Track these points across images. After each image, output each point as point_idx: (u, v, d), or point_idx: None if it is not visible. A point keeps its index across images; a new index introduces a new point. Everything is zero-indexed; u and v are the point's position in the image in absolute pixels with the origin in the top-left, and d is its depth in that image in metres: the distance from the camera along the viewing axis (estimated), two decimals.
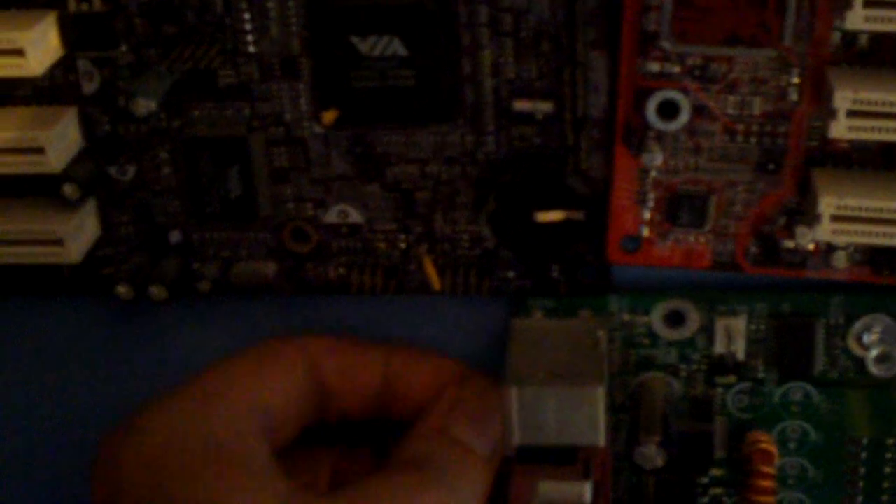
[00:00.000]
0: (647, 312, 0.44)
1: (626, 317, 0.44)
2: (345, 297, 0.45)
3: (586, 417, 0.39)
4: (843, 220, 0.39)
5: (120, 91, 0.42)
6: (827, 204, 0.38)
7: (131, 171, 0.44)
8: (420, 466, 0.39)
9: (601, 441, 0.40)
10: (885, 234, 0.39)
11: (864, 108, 0.37)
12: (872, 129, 0.37)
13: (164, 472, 0.36)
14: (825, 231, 0.39)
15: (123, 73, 0.42)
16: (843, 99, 0.37)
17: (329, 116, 0.42)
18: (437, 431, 0.40)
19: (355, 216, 0.44)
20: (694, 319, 0.44)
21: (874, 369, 0.44)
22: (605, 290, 0.44)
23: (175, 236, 0.44)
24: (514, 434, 0.40)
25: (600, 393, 0.39)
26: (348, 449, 0.43)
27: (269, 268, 0.45)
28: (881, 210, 0.38)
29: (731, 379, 0.45)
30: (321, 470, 0.42)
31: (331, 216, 0.44)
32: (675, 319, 0.44)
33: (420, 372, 0.42)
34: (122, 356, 0.47)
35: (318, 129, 0.42)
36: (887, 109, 0.37)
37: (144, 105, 0.40)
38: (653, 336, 0.45)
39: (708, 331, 0.44)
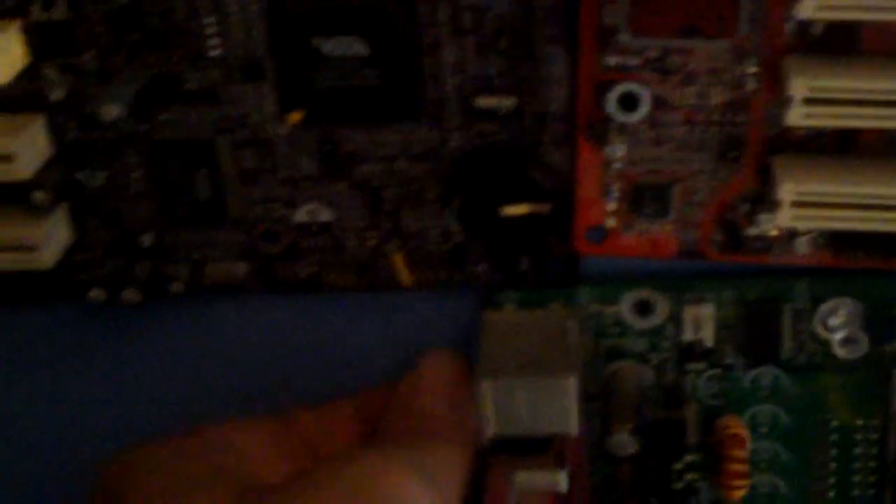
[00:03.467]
0: (615, 302, 0.45)
1: (596, 307, 0.45)
2: (317, 296, 0.45)
3: (559, 407, 0.40)
4: (803, 205, 0.39)
5: (86, 97, 0.42)
6: (786, 190, 0.39)
7: (101, 176, 0.44)
8: (397, 442, 0.40)
9: (574, 430, 0.40)
10: (844, 219, 0.39)
11: (820, 95, 0.37)
12: (828, 116, 0.38)
13: None
14: (786, 217, 0.39)
15: (89, 80, 0.42)
16: (798, 87, 0.37)
17: (294, 117, 0.42)
18: (405, 409, 0.41)
19: (324, 215, 0.44)
20: (662, 308, 0.45)
21: (840, 352, 0.44)
22: (574, 282, 0.45)
23: (147, 239, 0.45)
24: (489, 425, 0.40)
25: (571, 383, 0.39)
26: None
27: (241, 268, 0.45)
28: (840, 195, 0.39)
29: (701, 365, 0.45)
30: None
31: (300, 216, 0.44)
32: (644, 308, 0.45)
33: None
34: (98, 359, 0.47)
35: (284, 130, 0.43)
36: (842, 96, 0.37)
37: (112, 110, 0.40)
38: (622, 325, 0.45)
39: (676, 318, 0.45)
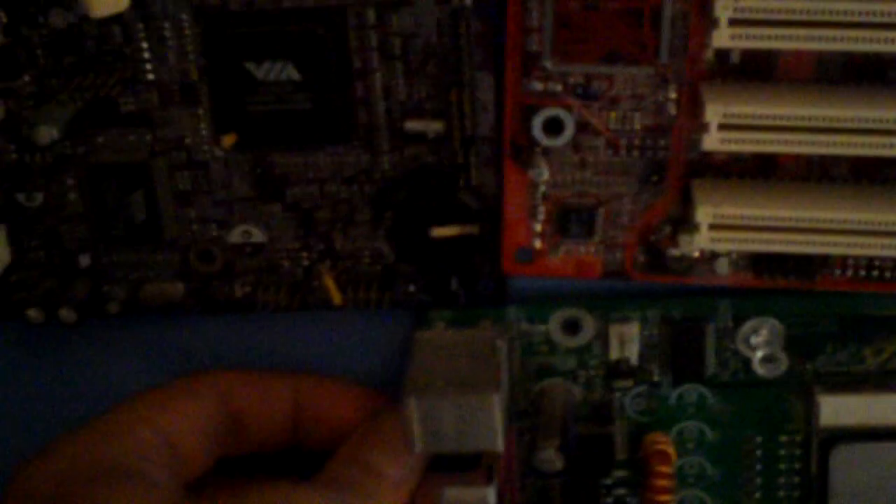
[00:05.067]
0: (544, 321, 0.46)
1: (525, 326, 0.46)
2: (252, 315, 0.46)
3: (484, 424, 0.41)
4: (720, 228, 0.40)
5: (23, 120, 0.43)
6: (704, 213, 0.40)
7: (39, 197, 0.45)
8: (332, 487, 0.40)
9: (500, 446, 0.41)
10: (761, 241, 0.40)
11: (735, 121, 0.39)
12: (743, 141, 0.39)
13: (69, 498, 0.37)
14: (704, 239, 0.40)
15: (26, 103, 0.43)
16: (714, 113, 0.39)
17: (228, 140, 0.43)
18: (352, 457, 0.41)
19: (258, 236, 0.45)
20: (589, 327, 0.46)
21: (760, 370, 0.45)
22: (503, 301, 0.45)
23: (84, 260, 0.45)
24: (415, 443, 0.41)
25: (496, 399, 0.40)
26: (267, 479, 0.44)
27: (177, 288, 0.46)
28: (757, 218, 0.40)
29: (629, 383, 0.46)
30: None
31: (234, 236, 0.45)
32: (572, 327, 0.46)
33: (331, 399, 0.44)
34: (35, 378, 0.48)
35: (218, 152, 0.44)
36: (756, 122, 0.38)
37: (47, 134, 0.41)
38: (551, 344, 0.46)
39: (603, 337, 0.46)
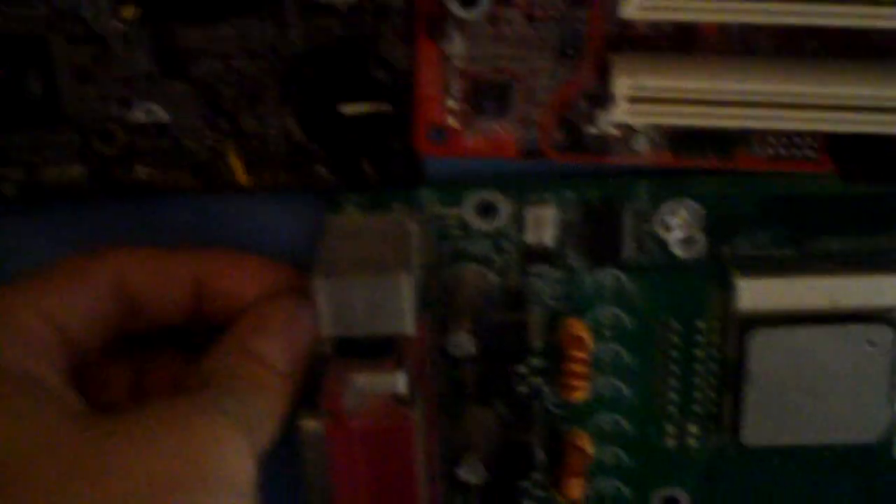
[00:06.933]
0: (458, 204, 0.45)
1: (438, 209, 0.45)
2: (155, 198, 0.45)
3: (394, 306, 0.40)
4: (638, 101, 0.39)
5: None
6: (621, 85, 0.39)
7: None
8: (213, 383, 0.39)
9: (409, 329, 0.40)
10: (679, 114, 0.39)
11: None
12: (665, 9, 0.38)
13: None
14: (622, 112, 0.39)
15: None
16: None
17: (129, 12, 0.41)
18: (237, 346, 0.40)
19: (161, 114, 0.43)
20: (505, 209, 0.45)
21: (678, 251, 0.45)
22: (417, 183, 0.44)
23: None
24: (325, 326, 0.40)
25: (405, 280, 0.39)
26: (152, 355, 0.43)
27: (77, 170, 0.44)
28: (675, 90, 0.39)
29: (544, 268, 0.45)
30: (122, 383, 0.42)
31: (137, 115, 0.43)
32: (486, 210, 0.45)
33: (232, 273, 0.42)
34: None
35: (118, 25, 0.42)
36: None
37: None
38: (465, 227, 0.45)
39: (519, 220, 0.45)
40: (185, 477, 0.36)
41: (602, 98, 0.41)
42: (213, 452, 0.37)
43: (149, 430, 0.36)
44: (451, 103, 0.42)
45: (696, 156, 0.43)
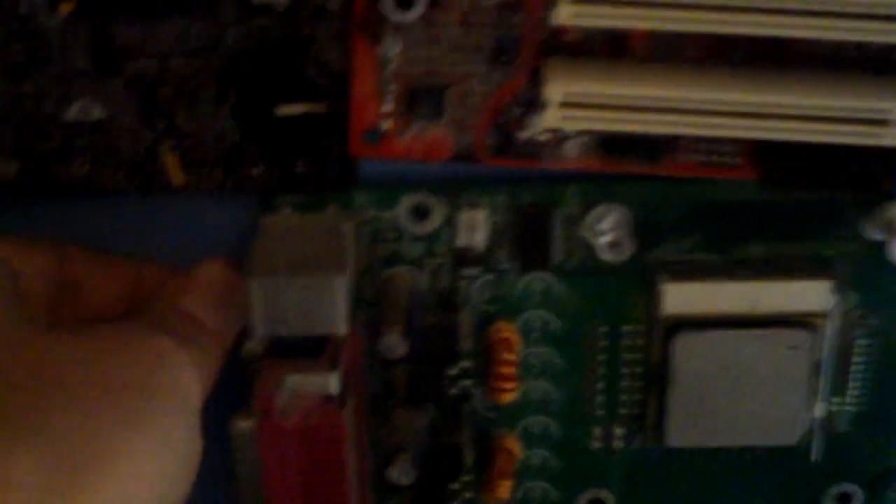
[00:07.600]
0: (392, 207, 0.45)
1: (372, 211, 0.45)
2: (90, 198, 0.45)
3: (327, 306, 0.40)
4: (570, 106, 0.40)
5: None
6: (553, 90, 0.40)
7: None
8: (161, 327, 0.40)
9: (343, 330, 0.40)
10: (610, 120, 0.40)
11: None
12: (595, 16, 0.39)
13: None
14: (553, 117, 0.40)
15: None
16: None
17: (66, 8, 0.41)
18: (168, 305, 0.41)
19: (97, 112, 0.43)
20: (438, 212, 0.45)
21: (605, 256, 0.45)
22: (351, 185, 0.45)
23: None
24: (258, 326, 0.40)
25: (339, 281, 0.40)
26: None
27: (11, 167, 0.44)
28: (606, 95, 0.40)
29: (475, 271, 0.46)
30: None
31: (72, 113, 0.43)
32: (420, 213, 0.45)
33: (174, 281, 0.43)
34: None
35: (55, 21, 0.42)
36: None
37: None
38: (398, 230, 0.45)
39: (452, 223, 0.45)
40: (138, 383, 0.37)
41: (535, 103, 0.42)
42: (164, 363, 0.39)
43: (104, 341, 0.38)
44: (385, 106, 0.43)
45: (626, 161, 0.43)
